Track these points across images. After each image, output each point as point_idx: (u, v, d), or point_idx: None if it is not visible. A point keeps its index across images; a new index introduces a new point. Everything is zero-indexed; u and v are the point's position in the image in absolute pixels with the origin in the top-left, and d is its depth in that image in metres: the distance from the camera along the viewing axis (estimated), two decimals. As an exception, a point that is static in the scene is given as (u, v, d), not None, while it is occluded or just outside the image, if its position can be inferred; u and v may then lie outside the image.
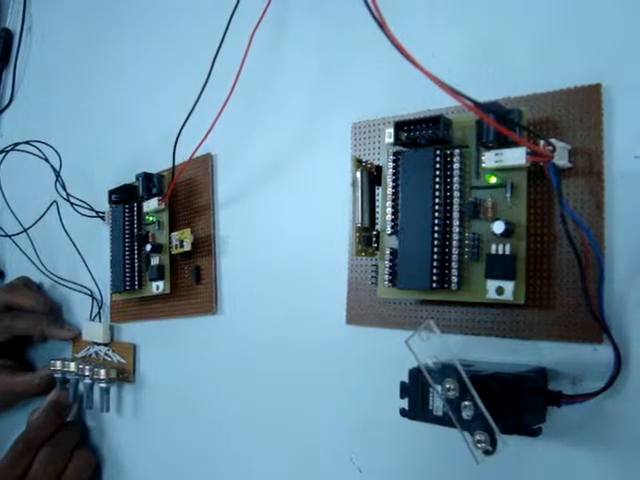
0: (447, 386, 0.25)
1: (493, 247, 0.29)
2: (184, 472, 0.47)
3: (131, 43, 0.56)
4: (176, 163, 0.45)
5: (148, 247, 0.47)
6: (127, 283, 0.49)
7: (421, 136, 0.31)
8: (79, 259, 0.56)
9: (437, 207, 0.30)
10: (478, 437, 0.25)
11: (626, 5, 0.28)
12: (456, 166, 0.30)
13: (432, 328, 0.25)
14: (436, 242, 0.30)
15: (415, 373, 0.28)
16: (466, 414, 0.25)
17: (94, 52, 0.61)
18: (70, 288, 0.58)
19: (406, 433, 0.33)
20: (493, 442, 0.25)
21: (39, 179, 0.59)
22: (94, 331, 0.55)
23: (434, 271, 0.30)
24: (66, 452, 0.52)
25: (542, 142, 0.27)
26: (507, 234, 0.29)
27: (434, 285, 0.30)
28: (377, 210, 0.34)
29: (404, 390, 0.29)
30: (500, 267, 0.29)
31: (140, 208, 0.49)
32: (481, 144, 0.29)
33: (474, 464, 0.30)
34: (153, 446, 0.50)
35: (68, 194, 0.55)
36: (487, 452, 0.25)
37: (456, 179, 0.30)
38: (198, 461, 0.46)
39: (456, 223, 0.30)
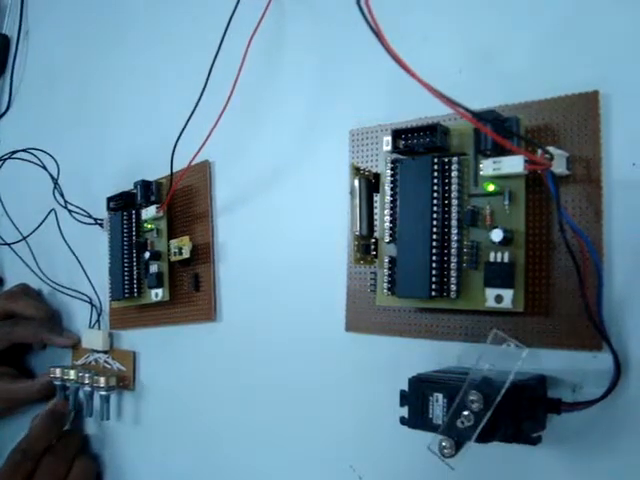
0: (472, 398, 0.25)
1: (492, 255, 0.29)
2: (184, 479, 0.47)
3: (129, 50, 0.56)
4: (174, 170, 0.45)
5: (147, 254, 0.47)
6: (126, 290, 0.49)
7: (419, 144, 0.31)
8: (78, 266, 0.56)
9: (435, 215, 0.30)
10: (444, 443, 0.26)
11: (624, 12, 0.28)
12: (454, 174, 0.30)
13: (522, 356, 0.25)
14: (434, 250, 0.30)
15: (415, 382, 0.28)
16: (461, 422, 0.25)
17: (92, 59, 0.61)
18: (69, 295, 0.58)
19: (406, 441, 0.33)
20: (455, 451, 0.25)
21: (37, 187, 0.59)
22: (93, 338, 0.55)
23: (433, 279, 0.30)
24: (67, 460, 0.52)
25: (540, 150, 0.27)
26: (506, 242, 0.28)
27: (433, 293, 0.30)
28: (375, 218, 0.33)
29: (404, 398, 0.29)
30: (499, 275, 0.28)
31: (138, 215, 0.49)
32: (479, 152, 0.29)
33: (473, 472, 0.31)
34: (154, 453, 0.50)
35: (66, 201, 0.55)
36: (447, 455, 0.25)
37: (454, 187, 0.30)
38: (198, 468, 0.46)
39: (454, 231, 0.30)
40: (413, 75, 0.24)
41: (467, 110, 0.24)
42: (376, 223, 0.33)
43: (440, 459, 0.25)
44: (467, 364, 0.31)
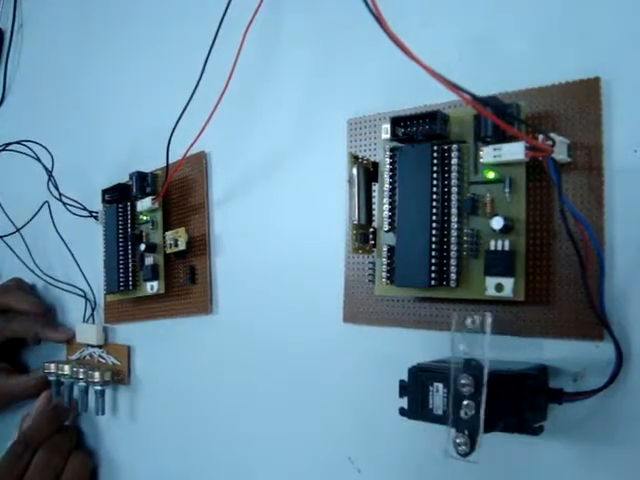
0: (462, 382, 0.25)
1: (492, 243, 0.29)
2: (181, 474, 0.47)
3: (123, 41, 0.56)
4: (170, 161, 0.45)
5: (142, 247, 0.47)
6: (121, 283, 0.48)
7: (418, 132, 0.30)
8: (72, 260, 0.55)
9: (435, 203, 0.30)
10: (459, 440, 0.25)
11: (625, -2, 0.27)
12: (454, 162, 0.30)
13: (487, 327, 0.25)
14: (434, 239, 0.30)
15: (415, 372, 0.28)
16: (464, 412, 0.25)
17: (86, 50, 0.60)
18: (63, 289, 0.57)
19: (405, 432, 0.32)
20: (471, 446, 0.25)
21: (31, 179, 0.58)
22: (88, 333, 0.54)
23: (432, 268, 0.30)
24: (62, 455, 0.52)
25: (541, 136, 0.27)
26: (506, 230, 0.28)
27: (432, 282, 0.30)
28: (374, 207, 0.33)
29: (403, 389, 0.29)
30: (499, 263, 0.28)
31: (134, 207, 0.49)
32: (479, 139, 0.29)
33: (474, 464, 0.30)
34: (149, 448, 0.50)
35: (61, 194, 0.54)
36: (462, 454, 0.25)
37: (454, 175, 0.30)
38: (195, 462, 0.46)
39: (454, 219, 0.30)
40: (414, 59, 0.24)
41: (469, 94, 0.24)
42: (374, 212, 0.33)
43: (461, 460, 0.25)
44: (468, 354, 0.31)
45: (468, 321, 0.25)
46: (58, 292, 0.59)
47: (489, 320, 0.25)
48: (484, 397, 0.24)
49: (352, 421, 0.36)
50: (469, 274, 0.30)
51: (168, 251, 0.46)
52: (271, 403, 0.40)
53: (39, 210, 0.57)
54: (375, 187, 0.33)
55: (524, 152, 0.27)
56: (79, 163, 0.58)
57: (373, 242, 0.33)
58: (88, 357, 0.55)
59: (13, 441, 0.52)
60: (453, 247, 0.30)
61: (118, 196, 0.49)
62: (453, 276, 0.30)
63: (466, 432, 0.25)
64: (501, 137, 0.28)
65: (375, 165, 0.33)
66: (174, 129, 0.44)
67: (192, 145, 0.43)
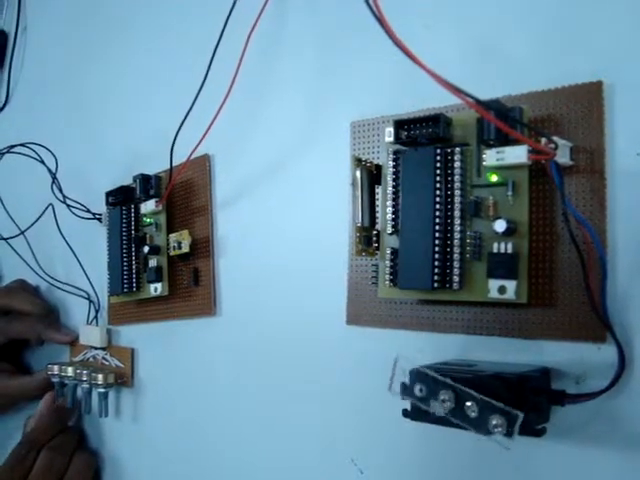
0: (442, 398, 0.25)
1: (495, 246, 0.29)
2: (184, 476, 0.47)
3: (127, 43, 0.56)
4: (174, 164, 0.45)
5: (146, 249, 0.47)
6: (125, 285, 0.48)
7: (421, 135, 0.31)
8: (76, 262, 0.56)
9: (438, 206, 0.30)
10: (494, 422, 0.24)
11: (628, 2, 0.27)
12: (457, 165, 0.30)
13: (399, 363, 0.26)
14: (437, 241, 0.30)
15: (416, 373, 0.28)
16: (472, 413, 0.25)
17: (90, 53, 0.61)
18: (67, 291, 0.58)
19: (408, 434, 0.32)
20: (510, 423, 0.24)
21: (35, 181, 0.58)
22: (91, 335, 0.54)
23: (435, 271, 0.30)
24: (66, 455, 0.52)
25: (544, 140, 0.27)
26: (509, 233, 0.28)
27: (435, 285, 0.30)
28: (377, 209, 0.33)
29: (406, 390, 0.29)
30: (502, 266, 0.28)
31: (137, 210, 0.49)
32: (482, 142, 0.29)
33: (476, 464, 0.30)
34: (152, 450, 0.50)
35: (64, 196, 0.54)
36: (508, 434, 0.24)
37: (457, 178, 0.30)
38: (198, 464, 0.46)
39: (457, 222, 0.30)
40: (418, 62, 0.24)
41: (472, 98, 0.24)
42: (378, 215, 0.33)
43: (513, 438, 0.24)
44: (471, 356, 0.31)
45: (400, 372, 0.28)
46: (62, 294, 0.59)
47: (398, 357, 0.28)
48: (464, 387, 0.25)
49: (355, 423, 0.36)
50: (472, 276, 0.30)
51: (172, 253, 0.46)
52: (274, 404, 0.40)
53: (43, 212, 0.57)
54: (378, 190, 0.33)
55: (527, 155, 0.27)
56: (83, 165, 0.58)
57: (376, 244, 0.33)
58: (92, 359, 0.55)
59: (19, 442, 0.52)
60: (456, 250, 0.30)
61: (122, 198, 0.49)
62: (456, 278, 0.30)
63: (499, 415, 0.24)
64: (504, 140, 0.28)
65: (378, 168, 0.33)
66: (178, 132, 0.44)
67: (196, 148, 0.43)
